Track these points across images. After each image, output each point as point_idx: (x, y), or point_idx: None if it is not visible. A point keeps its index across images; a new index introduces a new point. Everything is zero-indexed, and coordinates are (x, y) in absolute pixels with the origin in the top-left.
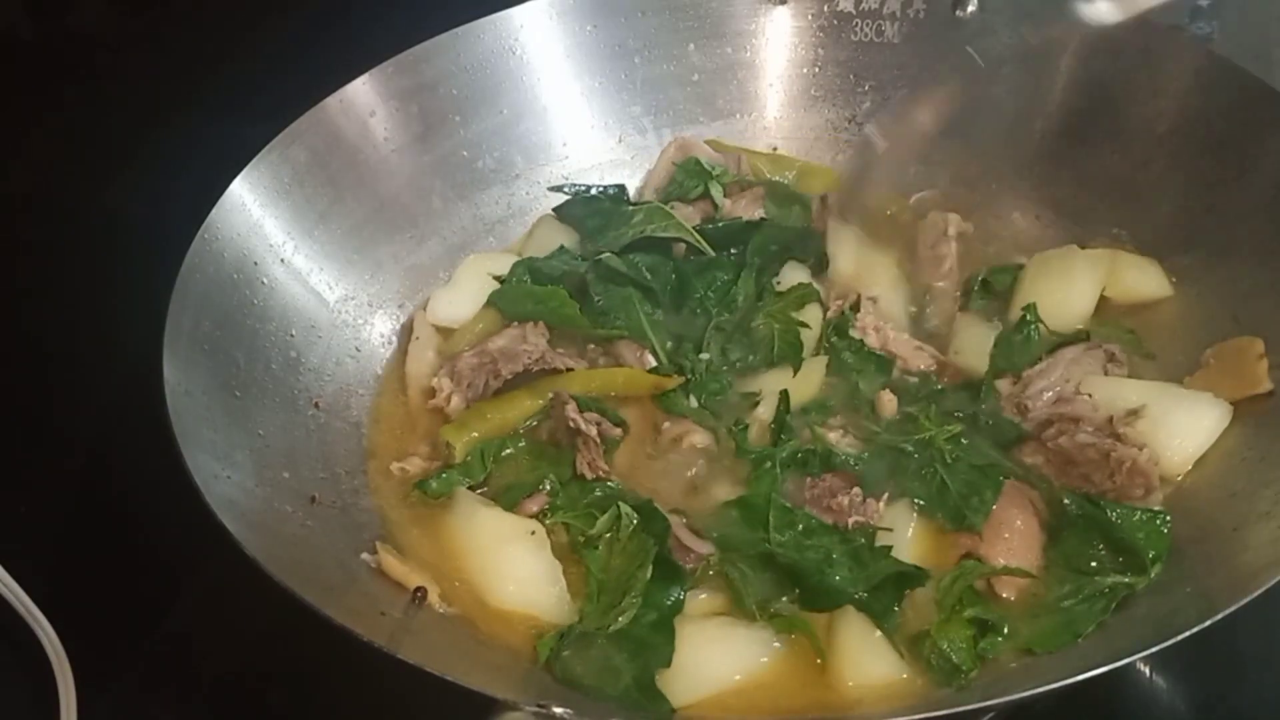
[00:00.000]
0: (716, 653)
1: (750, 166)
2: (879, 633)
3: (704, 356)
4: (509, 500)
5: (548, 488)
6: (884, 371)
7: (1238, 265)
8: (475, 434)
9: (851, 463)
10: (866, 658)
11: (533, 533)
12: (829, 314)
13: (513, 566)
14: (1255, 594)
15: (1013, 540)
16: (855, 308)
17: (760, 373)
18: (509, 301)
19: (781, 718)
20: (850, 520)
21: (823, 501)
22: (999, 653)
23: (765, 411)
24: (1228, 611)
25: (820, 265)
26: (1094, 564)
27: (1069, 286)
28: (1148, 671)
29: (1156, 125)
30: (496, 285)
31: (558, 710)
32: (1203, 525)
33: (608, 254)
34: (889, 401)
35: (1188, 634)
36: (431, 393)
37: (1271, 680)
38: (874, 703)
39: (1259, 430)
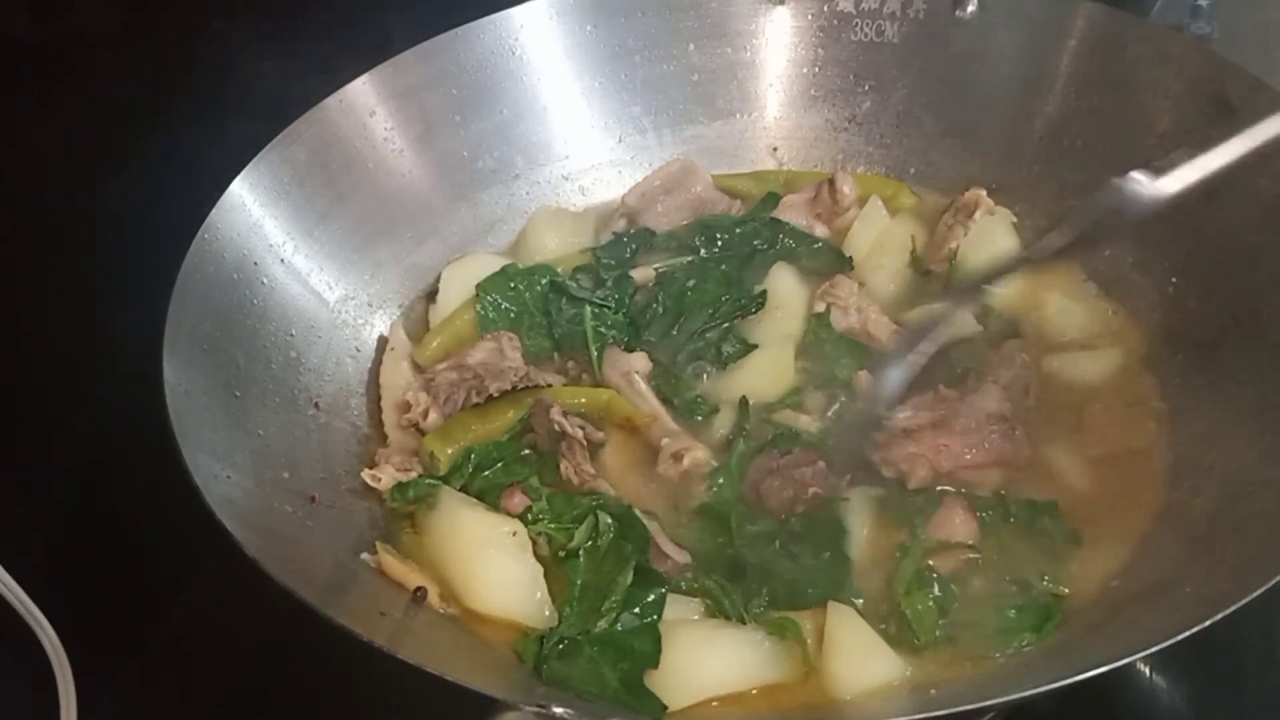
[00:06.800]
0: (709, 655)
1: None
2: (872, 631)
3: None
4: (493, 496)
5: (534, 484)
6: (858, 357)
7: (1238, 265)
8: (460, 444)
9: (817, 441)
10: (859, 656)
11: (514, 534)
12: (816, 302)
13: (492, 570)
14: (1255, 594)
15: (950, 528)
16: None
17: (734, 372)
18: (488, 322)
19: (778, 718)
20: (810, 491)
21: (787, 472)
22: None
23: (724, 423)
24: (1228, 611)
25: (841, 265)
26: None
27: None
28: (1148, 671)
29: (1157, 125)
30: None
31: (558, 710)
32: (1203, 525)
33: (564, 278)
34: (865, 380)
35: (1188, 634)
36: (407, 406)
37: (1271, 680)
38: (867, 700)
39: (1261, 430)
